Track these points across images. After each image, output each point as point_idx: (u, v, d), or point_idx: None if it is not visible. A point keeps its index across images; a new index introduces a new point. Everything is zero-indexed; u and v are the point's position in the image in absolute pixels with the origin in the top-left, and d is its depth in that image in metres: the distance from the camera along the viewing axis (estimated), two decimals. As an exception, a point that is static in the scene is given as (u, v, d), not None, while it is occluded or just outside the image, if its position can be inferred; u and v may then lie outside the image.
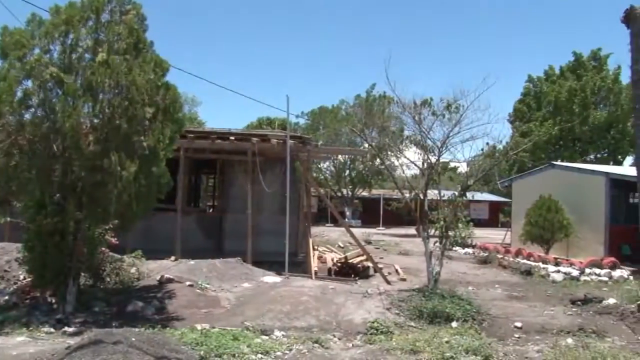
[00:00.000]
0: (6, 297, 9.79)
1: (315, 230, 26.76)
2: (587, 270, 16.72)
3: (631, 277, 15.93)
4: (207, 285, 11.25)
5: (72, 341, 6.81)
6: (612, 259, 17.68)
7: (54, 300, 9.47)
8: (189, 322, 8.81)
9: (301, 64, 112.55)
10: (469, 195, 12.44)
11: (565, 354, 7.49)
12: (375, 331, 8.91)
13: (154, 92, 9.31)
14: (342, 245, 24.00)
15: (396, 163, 15.26)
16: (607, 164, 35.57)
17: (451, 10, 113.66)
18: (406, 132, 13.86)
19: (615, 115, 37.98)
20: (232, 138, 16.03)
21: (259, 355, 7.07)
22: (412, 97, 12.37)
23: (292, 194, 15.30)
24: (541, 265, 17.67)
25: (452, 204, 11.79)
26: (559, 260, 18.29)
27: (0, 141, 8.60)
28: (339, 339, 8.60)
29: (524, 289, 14.41)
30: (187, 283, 11.16)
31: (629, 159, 38.14)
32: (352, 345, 8.30)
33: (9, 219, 10.56)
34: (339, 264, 17.06)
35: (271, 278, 12.54)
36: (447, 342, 7.80)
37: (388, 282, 14.83)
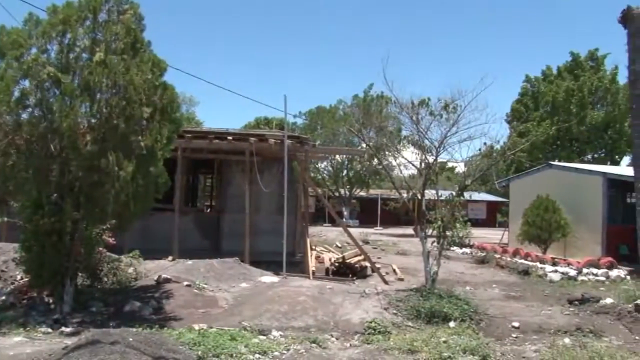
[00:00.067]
0: (3, 297, 9.77)
1: (313, 230, 26.75)
2: (585, 270, 16.75)
3: (628, 277, 15.96)
4: (205, 285, 11.25)
5: (70, 341, 6.80)
6: (610, 259, 17.70)
7: (51, 301, 9.47)
8: (187, 322, 8.80)
9: (299, 63, 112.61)
10: (467, 195, 12.46)
11: (562, 353, 7.50)
12: (372, 331, 8.91)
13: (151, 91, 9.31)
14: (339, 245, 24.01)
15: (394, 163, 15.23)
16: (605, 164, 35.62)
17: (449, 11, 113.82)
18: (404, 132, 13.89)
19: (613, 115, 38.05)
20: (229, 138, 16.03)
21: (257, 355, 7.07)
22: (409, 97, 12.37)
23: (289, 194, 15.30)
24: (539, 265, 17.69)
25: (450, 204, 11.80)
26: (556, 260, 18.33)
27: (-3, 141, 8.60)
28: (337, 338, 8.60)
29: (522, 288, 14.42)
30: (185, 283, 11.15)
31: (626, 159, 38.25)
32: (350, 345, 8.31)
33: (6, 219, 10.58)
34: (336, 264, 17.06)
35: (269, 278, 12.54)
36: (444, 342, 7.81)
37: (386, 282, 14.83)
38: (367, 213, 47.49)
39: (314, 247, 20.06)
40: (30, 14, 9.08)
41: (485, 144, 13.21)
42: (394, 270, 17.82)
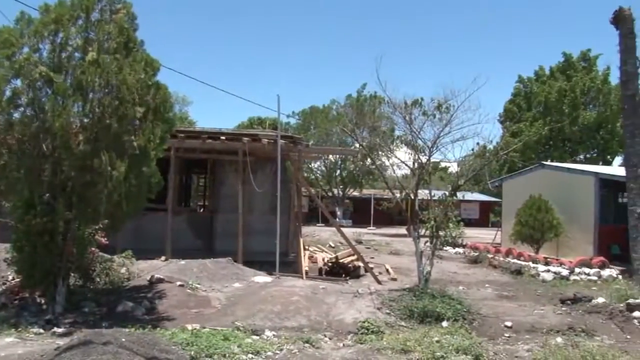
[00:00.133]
0: (-5, 298, 9.73)
1: (306, 230, 26.76)
2: (577, 270, 16.84)
3: (620, 277, 16.03)
4: (198, 285, 11.23)
5: (62, 342, 6.77)
6: (602, 258, 17.80)
7: (43, 301, 9.43)
8: (180, 322, 8.79)
9: (292, 63, 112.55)
10: (460, 195, 12.48)
11: (554, 353, 7.53)
12: (366, 331, 8.92)
13: (144, 91, 9.28)
14: (333, 245, 24.00)
15: (387, 163, 15.23)
16: (597, 164, 35.78)
17: (442, 12, 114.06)
18: (397, 132, 13.94)
19: (605, 116, 38.21)
20: (222, 138, 16.00)
21: (250, 355, 7.06)
22: (403, 97, 12.40)
23: (282, 194, 15.30)
24: (531, 264, 17.76)
25: (443, 203, 11.82)
26: (548, 259, 18.40)
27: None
28: (330, 338, 8.61)
29: (514, 288, 14.46)
30: (178, 283, 11.13)
31: (618, 159, 38.41)
32: (343, 345, 8.31)
33: (-2, 219, 10.50)
34: (329, 264, 17.06)
35: (262, 278, 12.53)
36: (437, 341, 7.82)
37: (379, 282, 14.84)
38: (360, 213, 47.50)
39: (307, 247, 20.07)
40: (22, 13, 9.04)
41: (478, 144, 13.27)
42: (387, 270, 17.85)
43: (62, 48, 8.91)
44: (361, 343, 8.28)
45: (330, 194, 48.44)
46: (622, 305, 10.79)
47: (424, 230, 11.96)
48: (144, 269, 12.40)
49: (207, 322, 8.84)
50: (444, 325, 9.27)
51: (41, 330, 8.14)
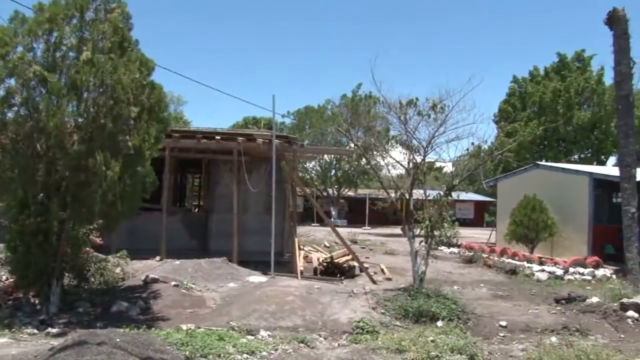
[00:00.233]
0: (-12, 298, 9.68)
1: (301, 229, 26.74)
2: (571, 270, 16.90)
3: (614, 276, 16.08)
4: (193, 285, 11.21)
5: (56, 342, 6.75)
6: (596, 258, 17.86)
7: (37, 301, 9.39)
8: (175, 323, 8.77)
9: (288, 63, 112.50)
10: (455, 195, 12.51)
11: (549, 352, 7.54)
12: (361, 330, 8.93)
13: (139, 91, 9.25)
14: (327, 245, 24.01)
15: (382, 163, 15.24)
16: (591, 164, 35.90)
17: (436, 12, 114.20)
18: (392, 132, 13.91)
19: (599, 116, 38.32)
20: (217, 137, 15.97)
21: (245, 355, 7.05)
22: (397, 97, 12.40)
23: (277, 194, 15.27)
24: (526, 264, 17.81)
25: (438, 203, 11.84)
26: (543, 259, 18.46)
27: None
28: (325, 338, 8.61)
29: (509, 288, 14.49)
30: (173, 283, 11.11)
31: (612, 159, 38.56)
32: (338, 344, 8.31)
33: (-9, 218, 10.45)
34: (324, 264, 17.07)
35: (257, 278, 12.52)
36: (432, 341, 7.82)
37: (374, 282, 14.85)
38: (355, 213, 47.54)
39: (302, 247, 20.06)
40: (16, 12, 9.00)
41: (472, 144, 13.30)
42: (382, 270, 17.86)
43: (57, 47, 8.88)
44: (356, 343, 8.28)
45: (325, 193, 48.47)
46: (616, 304, 10.83)
47: (418, 230, 11.98)
48: (138, 269, 12.37)
49: (202, 322, 8.83)
50: (438, 325, 9.28)
51: (35, 331, 8.11)
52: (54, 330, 8.09)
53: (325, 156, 45.33)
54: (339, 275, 16.31)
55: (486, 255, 20.66)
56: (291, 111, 50.85)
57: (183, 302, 10.14)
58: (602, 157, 39.77)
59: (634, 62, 14.19)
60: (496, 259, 19.74)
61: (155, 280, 11.19)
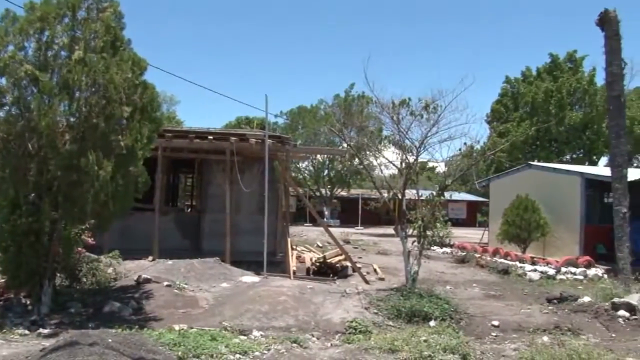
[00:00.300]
0: (-21, 299, 9.63)
1: (293, 229, 26.72)
2: (563, 269, 16.96)
3: (605, 276, 16.14)
4: (185, 286, 11.19)
5: (47, 343, 6.72)
6: (587, 258, 17.93)
7: (28, 302, 9.35)
8: (167, 323, 8.75)
9: (281, 63, 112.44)
10: (447, 195, 12.54)
11: (541, 351, 7.56)
12: (353, 330, 8.93)
13: (131, 90, 9.22)
14: (320, 245, 24.00)
15: (375, 163, 15.27)
16: (583, 164, 36.04)
17: (430, 13, 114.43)
18: (385, 132, 13.94)
19: (591, 116, 38.48)
20: (210, 137, 15.94)
21: (237, 356, 7.04)
22: (390, 97, 12.42)
23: (270, 194, 15.26)
24: (518, 264, 17.86)
25: (430, 203, 11.86)
26: (535, 259, 18.51)
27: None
28: (318, 338, 8.60)
29: (501, 287, 14.53)
30: (165, 283, 11.08)
31: (604, 160, 38.73)
32: (331, 344, 8.31)
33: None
34: (317, 264, 17.06)
35: (250, 278, 12.50)
36: (425, 341, 7.83)
37: (366, 282, 14.86)
38: (348, 213, 47.58)
39: (295, 247, 20.03)
40: (7, 11, 8.96)
41: (465, 144, 13.34)
42: (375, 270, 17.87)
43: (48, 46, 8.84)
44: (349, 343, 8.28)
45: (318, 193, 48.47)
46: (607, 304, 10.88)
47: (411, 230, 12.00)
48: (131, 269, 12.34)
49: (194, 322, 8.81)
50: (431, 325, 9.29)
51: (26, 332, 8.07)
52: (46, 331, 8.05)
53: (318, 156, 45.34)
54: (331, 275, 16.31)
55: (479, 255, 20.71)
56: (284, 111, 50.85)
57: (175, 303, 10.11)
58: (594, 157, 39.95)
59: (625, 63, 14.27)
60: (489, 258, 19.78)
61: (147, 281, 11.15)
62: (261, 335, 8.49)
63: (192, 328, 8.28)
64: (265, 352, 7.41)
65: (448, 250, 23.66)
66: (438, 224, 11.76)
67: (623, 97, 14.16)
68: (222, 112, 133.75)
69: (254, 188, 16.74)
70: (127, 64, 9.26)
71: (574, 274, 16.67)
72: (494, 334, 9.44)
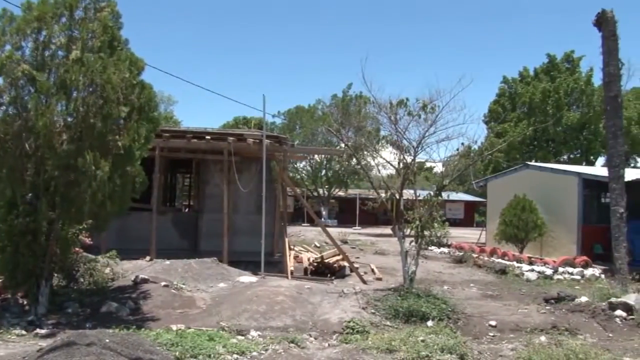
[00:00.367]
0: (-24, 299, 9.61)
1: (291, 229, 26.74)
2: (560, 269, 16.97)
3: (602, 276, 16.19)
4: (183, 286, 11.18)
5: (44, 343, 6.71)
6: (585, 258, 17.96)
7: (25, 302, 9.34)
8: (164, 323, 8.74)
9: (278, 63, 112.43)
10: (445, 195, 12.53)
11: (538, 351, 7.58)
12: (351, 330, 8.92)
13: (129, 90, 9.21)
14: (318, 245, 23.99)
15: (372, 163, 15.26)
16: (580, 164, 36.12)
17: (426, 12, 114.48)
18: (382, 132, 13.94)
19: (588, 117, 38.57)
20: (208, 137, 15.92)
21: (235, 356, 7.04)
22: (388, 97, 12.40)
23: (268, 194, 15.25)
24: (515, 264, 17.87)
25: (428, 203, 11.85)
26: (533, 259, 18.53)
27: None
28: (315, 338, 8.60)
29: (499, 287, 14.55)
30: (163, 283, 11.06)
31: (601, 160, 38.83)
32: (328, 344, 8.31)
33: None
34: (315, 264, 17.05)
35: (247, 278, 12.50)
36: (422, 341, 7.84)
37: (364, 282, 14.86)
38: (346, 213, 47.60)
39: (292, 247, 20.04)
40: (4, 10, 8.94)
41: (462, 144, 13.34)
42: (373, 270, 17.88)
43: (45, 46, 8.83)
44: (346, 343, 8.28)
45: (315, 193, 48.45)
46: (604, 304, 10.89)
47: (409, 230, 11.99)
48: (128, 269, 12.32)
49: (192, 323, 8.80)
50: (429, 325, 9.29)
51: (23, 332, 8.05)
52: (43, 331, 8.04)
53: (316, 156, 45.32)
54: (329, 275, 16.30)
55: (476, 255, 20.72)
56: (282, 111, 50.91)
57: (173, 303, 10.11)
58: (591, 157, 40.05)
59: (622, 64, 14.30)
60: (486, 258, 19.79)
61: (145, 281, 11.14)
62: (259, 335, 8.48)
63: (189, 328, 8.28)
64: (263, 352, 7.41)
65: (446, 250, 23.69)
66: (436, 224, 11.76)
67: (620, 97, 14.18)
68: (220, 112, 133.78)
69: (252, 188, 16.73)
70: (124, 63, 9.25)
71: (571, 274, 16.69)
72: (491, 334, 9.44)
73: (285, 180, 18.36)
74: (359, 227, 41.34)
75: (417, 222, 11.52)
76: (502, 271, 17.34)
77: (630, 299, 10.78)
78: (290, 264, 16.21)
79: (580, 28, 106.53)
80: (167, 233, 17.14)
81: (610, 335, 9.55)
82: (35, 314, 8.86)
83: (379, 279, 16.25)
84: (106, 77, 8.73)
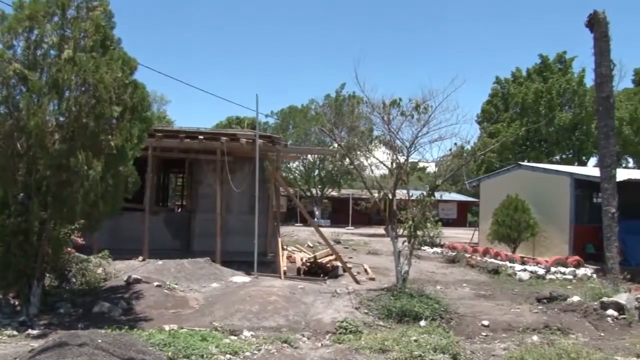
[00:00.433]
0: (-33, 300, 9.55)
1: (284, 229, 26.72)
2: (553, 269, 17.05)
3: (594, 275, 16.28)
4: (176, 286, 11.15)
5: (36, 344, 6.68)
6: (577, 257, 18.04)
7: (17, 302, 9.30)
8: (157, 323, 8.71)
9: (271, 63, 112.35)
10: (438, 195, 12.54)
11: (530, 351, 7.60)
12: (344, 330, 8.92)
13: (121, 90, 9.18)
14: (311, 245, 24.00)
15: (365, 163, 15.26)
16: (572, 164, 36.30)
17: (420, 14, 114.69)
18: (375, 132, 13.91)
19: (580, 117, 38.75)
20: (201, 137, 15.89)
21: (228, 356, 7.03)
22: (381, 98, 12.41)
23: (261, 194, 15.23)
24: (508, 264, 17.94)
25: (421, 203, 11.87)
26: (525, 259, 18.61)
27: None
28: (308, 338, 8.59)
29: (491, 287, 14.59)
30: (155, 283, 11.03)
31: (593, 160, 39.02)
32: (321, 344, 8.30)
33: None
34: (308, 264, 17.06)
35: (240, 278, 12.48)
36: (415, 340, 7.85)
37: (357, 282, 14.87)
38: (339, 213, 47.66)
39: (285, 247, 20.04)
40: (-4, 9, 8.89)
41: (455, 144, 13.37)
42: (366, 270, 17.89)
43: (37, 45, 8.78)
44: (339, 343, 8.28)
45: (308, 193, 48.46)
46: (596, 303, 10.94)
47: (402, 230, 12.01)
48: (121, 270, 12.27)
49: (184, 323, 8.78)
50: (421, 325, 9.31)
51: (15, 332, 8.00)
52: (34, 332, 8.00)
53: (309, 156, 45.34)
54: (322, 275, 16.32)
55: (469, 255, 20.79)
56: (275, 111, 50.91)
57: (166, 303, 10.08)
58: (583, 157, 40.25)
59: (614, 64, 14.37)
60: (479, 258, 19.86)
61: (137, 281, 11.10)
62: (252, 335, 8.47)
63: (182, 328, 8.26)
64: (256, 352, 7.40)
65: (438, 250, 23.75)
66: (429, 224, 11.77)
67: (612, 98, 14.24)
68: (213, 112, 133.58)
69: (245, 188, 16.72)
70: (117, 63, 9.21)
71: (564, 273, 16.77)
72: (484, 334, 9.46)
73: (278, 180, 18.35)
74: (352, 227, 41.39)
75: (410, 222, 11.53)
76: (495, 271, 17.40)
77: (622, 298, 10.84)
78: (283, 264, 16.21)
79: (572, 29, 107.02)
80: (160, 233, 17.10)
81: (602, 334, 9.59)
82: (27, 314, 8.81)
83: (372, 279, 16.26)
84: (99, 76, 8.69)
